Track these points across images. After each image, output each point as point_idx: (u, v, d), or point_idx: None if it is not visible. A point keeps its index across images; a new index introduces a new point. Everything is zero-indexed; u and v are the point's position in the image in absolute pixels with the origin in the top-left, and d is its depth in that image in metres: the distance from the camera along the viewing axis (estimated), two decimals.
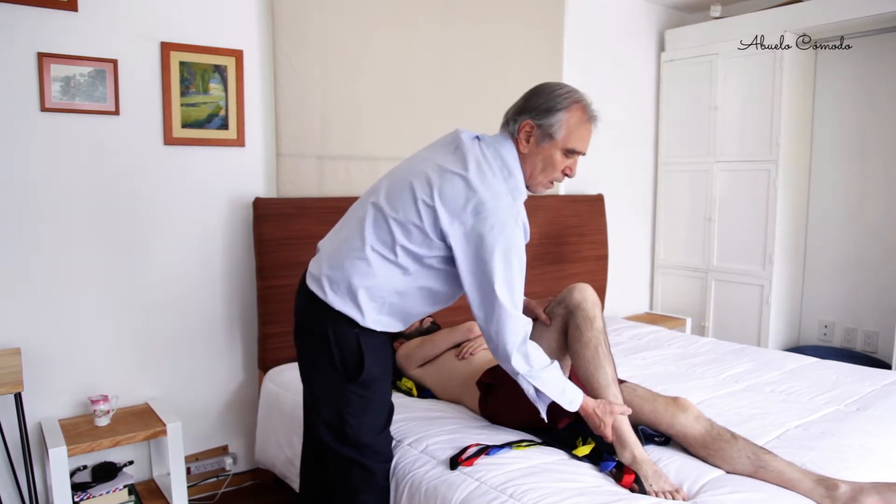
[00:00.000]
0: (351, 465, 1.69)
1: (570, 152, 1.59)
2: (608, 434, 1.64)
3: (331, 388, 1.66)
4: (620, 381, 1.89)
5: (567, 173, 1.63)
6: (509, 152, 1.60)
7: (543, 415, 1.65)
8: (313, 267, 1.68)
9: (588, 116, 1.59)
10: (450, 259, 1.55)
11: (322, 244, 1.73)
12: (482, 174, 1.52)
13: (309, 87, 2.67)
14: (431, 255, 1.55)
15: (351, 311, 1.59)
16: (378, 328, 1.62)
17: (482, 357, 2.17)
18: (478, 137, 1.63)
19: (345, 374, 1.62)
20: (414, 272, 1.58)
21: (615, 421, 1.64)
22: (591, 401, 1.65)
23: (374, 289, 1.58)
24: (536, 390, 1.59)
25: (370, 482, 1.71)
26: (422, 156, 1.66)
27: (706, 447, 1.63)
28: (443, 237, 1.52)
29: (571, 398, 1.61)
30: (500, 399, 1.91)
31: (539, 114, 1.56)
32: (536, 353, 1.58)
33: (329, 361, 1.63)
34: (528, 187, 1.65)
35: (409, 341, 2.39)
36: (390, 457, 1.78)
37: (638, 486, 1.55)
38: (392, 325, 1.66)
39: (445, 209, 1.50)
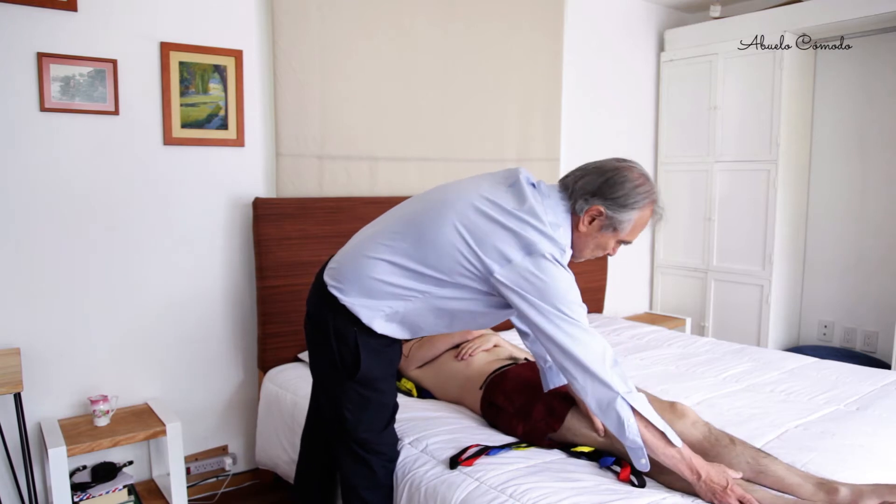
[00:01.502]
0: (353, 460, 1.71)
1: (623, 242, 1.57)
2: None
3: (331, 380, 1.67)
4: None
5: (610, 254, 1.62)
6: (562, 214, 1.53)
7: (646, 462, 1.47)
8: (333, 259, 1.68)
9: (654, 215, 1.56)
10: (471, 289, 1.53)
11: (353, 237, 1.71)
12: (534, 215, 1.48)
13: (309, 87, 2.67)
14: (455, 283, 1.52)
15: (356, 308, 1.57)
16: (379, 331, 1.60)
17: (481, 358, 2.17)
18: (533, 185, 1.57)
19: (343, 370, 1.63)
20: (432, 291, 1.54)
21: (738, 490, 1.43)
22: (701, 461, 1.46)
23: (385, 295, 1.56)
24: (637, 425, 1.42)
25: (372, 480, 1.71)
26: (472, 184, 1.61)
27: (705, 453, 1.62)
28: (480, 270, 1.48)
29: (674, 434, 1.45)
30: (502, 420, 1.91)
31: (614, 206, 1.49)
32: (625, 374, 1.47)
33: (330, 354, 1.63)
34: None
35: (407, 342, 2.39)
36: (394, 456, 1.77)
37: (636, 480, 1.55)
38: (398, 333, 1.63)
39: (492, 248, 1.46)
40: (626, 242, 1.57)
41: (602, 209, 1.50)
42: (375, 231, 1.63)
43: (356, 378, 1.62)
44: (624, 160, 1.55)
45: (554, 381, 1.83)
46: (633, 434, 1.42)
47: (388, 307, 1.57)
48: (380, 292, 1.56)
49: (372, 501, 1.72)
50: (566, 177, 1.57)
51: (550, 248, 1.46)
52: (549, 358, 1.81)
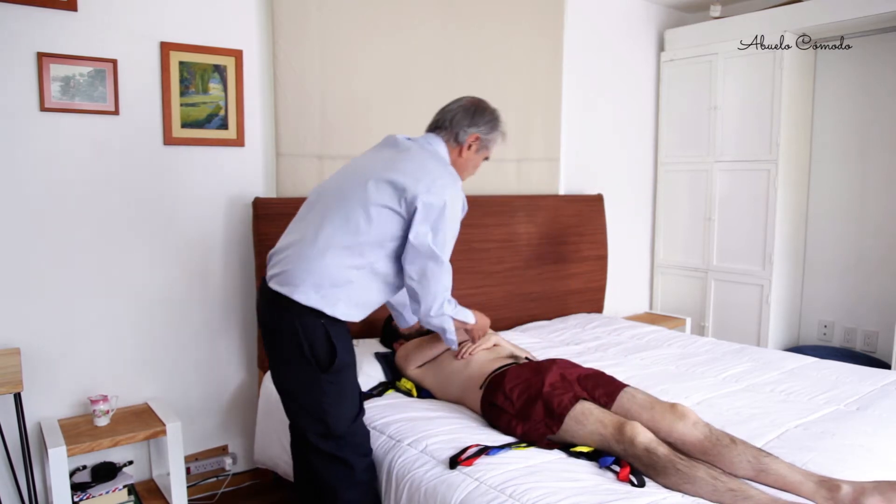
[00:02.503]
0: (330, 461, 1.74)
1: (485, 159, 1.97)
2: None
3: (306, 381, 1.73)
4: (622, 386, 1.90)
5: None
6: (443, 150, 1.87)
7: (454, 345, 2.00)
8: (273, 269, 1.77)
9: (502, 134, 1.96)
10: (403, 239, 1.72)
11: (278, 247, 1.81)
12: (424, 154, 1.79)
13: (309, 87, 2.67)
14: (389, 238, 1.71)
15: (316, 303, 1.67)
16: (343, 318, 1.71)
17: (481, 357, 2.17)
18: (409, 138, 1.87)
19: (317, 366, 1.69)
20: (372, 259, 1.71)
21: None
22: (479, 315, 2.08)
23: (339, 281, 1.68)
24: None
25: (350, 477, 1.74)
26: (367, 156, 1.88)
27: (706, 453, 1.63)
28: (400, 213, 1.69)
29: (471, 316, 1.96)
30: (501, 421, 1.91)
31: (486, 129, 1.89)
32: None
33: (301, 356, 1.69)
34: None
35: (407, 342, 2.39)
36: (369, 450, 1.82)
37: (636, 479, 1.55)
38: (356, 315, 1.76)
39: (403, 189, 1.68)
40: (487, 159, 1.97)
41: (478, 135, 1.88)
42: (306, 231, 1.74)
43: (332, 369, 1.70)
44: (471, 96, 1.94)
45: (409, 321, 2.22)
46: (451, 335, 1.92)
47: (344, 294, 1.69)
48: (335, 279, 1.67)
49: (352, 500, 1.74)
50: (435, 124, 1.92)
51: (444, 182, 1.71)
52: (407, 303, 2.09)
